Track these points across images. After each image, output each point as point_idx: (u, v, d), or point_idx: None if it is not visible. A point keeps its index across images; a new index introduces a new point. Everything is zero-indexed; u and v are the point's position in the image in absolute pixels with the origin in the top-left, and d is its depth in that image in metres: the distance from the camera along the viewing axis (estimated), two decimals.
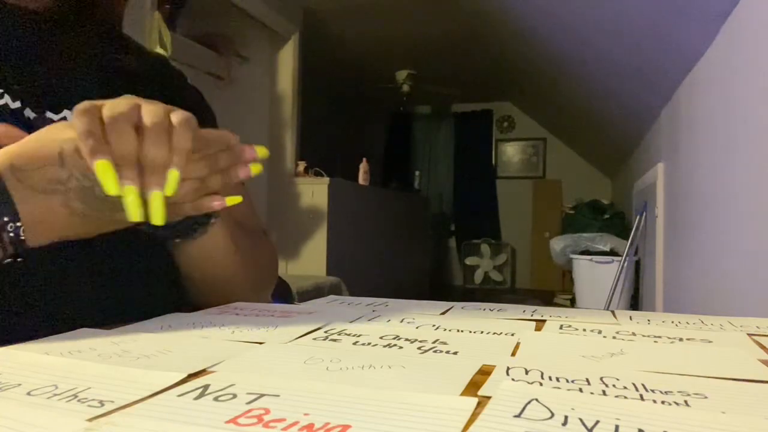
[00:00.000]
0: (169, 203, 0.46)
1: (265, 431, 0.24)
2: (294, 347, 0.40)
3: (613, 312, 0.59)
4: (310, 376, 0.33)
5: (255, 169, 0.50)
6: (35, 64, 0.56)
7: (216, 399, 0.28)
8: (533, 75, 4.78)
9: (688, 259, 2.39)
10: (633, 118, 3.60)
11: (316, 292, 2.72)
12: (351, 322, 0.50)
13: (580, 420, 0.26)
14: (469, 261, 6.43)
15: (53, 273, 0.52)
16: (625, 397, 0.29)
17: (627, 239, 3.80)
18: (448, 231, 6.75)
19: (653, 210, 3.14)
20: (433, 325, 0.49)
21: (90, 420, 0.25)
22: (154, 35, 2.43)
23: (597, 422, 0.25)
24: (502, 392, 0.29)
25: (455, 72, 5.30)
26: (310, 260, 3.49)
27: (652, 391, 0.31)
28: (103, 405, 0.27)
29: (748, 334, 0.47)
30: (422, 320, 0.51)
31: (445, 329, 0.47)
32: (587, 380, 0.32)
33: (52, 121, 0.54)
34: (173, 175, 0.44)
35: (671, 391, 0.31)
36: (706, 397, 0.30)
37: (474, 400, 0.28)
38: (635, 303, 3.85)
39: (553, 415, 0.26)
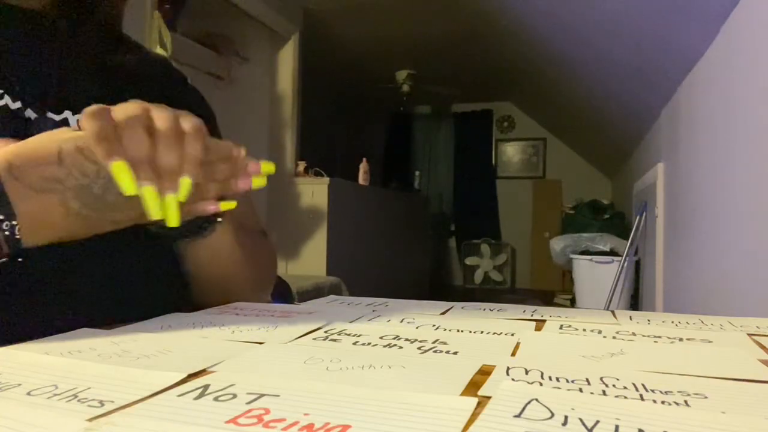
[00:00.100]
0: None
1: (265, 431, 0.24)
2: (294, 347, 0.40)
3: (613, 312, 0.59)
4: (310, 376, 0.33)
5: (257, 182, 0.51)
6: (35, 64, 0.56)
7: (216, 399, 0.28)
8: (533, 75, 4.78)
9: (688, 259, 2.39)
10: (633, 118, 3.60)
11: (316, 292, 2.72)
12: (351, 322, 0.50)
13: (580, 420, 0.26)
14: (469, 261, 6.43)
15: (53, 273, 0.52)
16: (625, 397, 0.29)
17: (627, 239, 3.80)
18: (448, 231, 6.75)
19: (653, 210, 3.14)
20: (433, 325, 0.49)
21: (90, 420, 0.25)
22: (154, 35, 2.43)
23: (597, 422, 0.25)
24: (502, 392, 0.29)
25: (455, 72, 5.29)
26: (310, 260, 3.49)
27: (652, 391, 0.31)
28: (103, 405, 0.27)
29: (748, 334, 0.47)
30: (422, 320, 0.51)
31: (445, 329, 0.47)
32: (587, 380, 0.32)
33: (53, 122, 0.54)
34: (186, 183, 0.46)
35: (671, 391, 0.31)
36: (706, 397, 0.30)
37: (474, 400, 0.28)
38: (635, 303, 3.85)
39: (553, 415, 0.26)
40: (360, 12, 3.92)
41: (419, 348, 0.40)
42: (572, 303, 4.59)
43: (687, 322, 0.53)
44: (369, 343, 0.41)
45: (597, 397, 0.29)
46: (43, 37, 0.57)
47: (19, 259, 0.43)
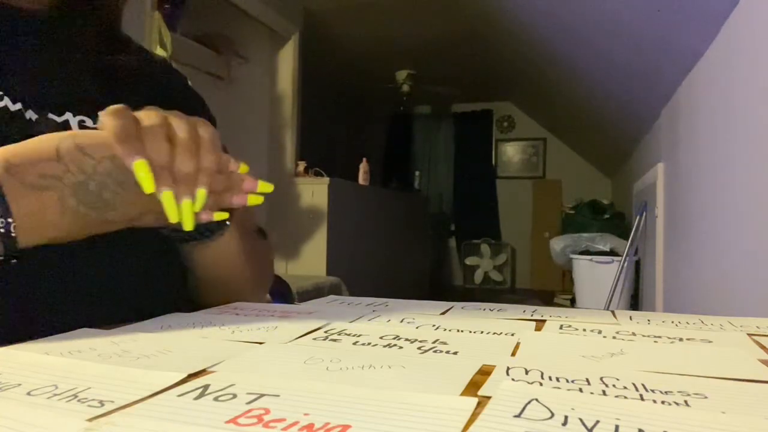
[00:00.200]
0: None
1: (265, 431, 0.24)
2: (294, 347, 0.40)
3: (613, 312, 0.59)
4: (310, 376, 0.33)
5: (253, 200, 0.53)
6: (35, 65, 0.56)
7: (216, 399, 0.28)
8: (533, 75, 4.78)
9: (688, 259, 2.39)
10: (633, 118, 3.60)
11: (316, 292, 2.72)
12: (351, 322, 0.50)
13: (580, 420, 0.26)
14: (469, 261, 6.43)
15: (53, 273, 0.52)
16: (625, 397, 0.29)
17: (627, 239, 3.80)
18: (448, 231, 6.75)
19: (653, 210, 3.14)
20: (433, 325, 0.49)
21: (90, 420, 0.25)
22: (154, 35, 2.43)
23: (597, 422, 0.25)
24: (502, 392, 0.29)
25: (455, 72, 5.29)
26: (310, 260, 3.49)
27: (652, 391, 0.31)
28: (103, 405, 0.27)
29: (748, 334, 0.47)
30: (422, 320, 0.51)
31: (445, 329, 0.47)
32: (587, 380, 0.32)
33: (54, 123, 0.54)
34: (202, 194, 0.48)
35: (671, 391, 0.31)
36: (706, 397, 0.30)
37: (474, 400, 0.28)
38: (635, 303, 3.85)
39: (553, 415, 0.26)
40: (360, 12, 3.92)
41: (419, 348, 0.40)
42: (572, 303, 4.59)
43: (687, 322, 0.53)
44: (369, 343, 0.41)
45: (597, 397, 0.29)
46: (43, 38, 0.57)
47: (13, 261, 0.43)
